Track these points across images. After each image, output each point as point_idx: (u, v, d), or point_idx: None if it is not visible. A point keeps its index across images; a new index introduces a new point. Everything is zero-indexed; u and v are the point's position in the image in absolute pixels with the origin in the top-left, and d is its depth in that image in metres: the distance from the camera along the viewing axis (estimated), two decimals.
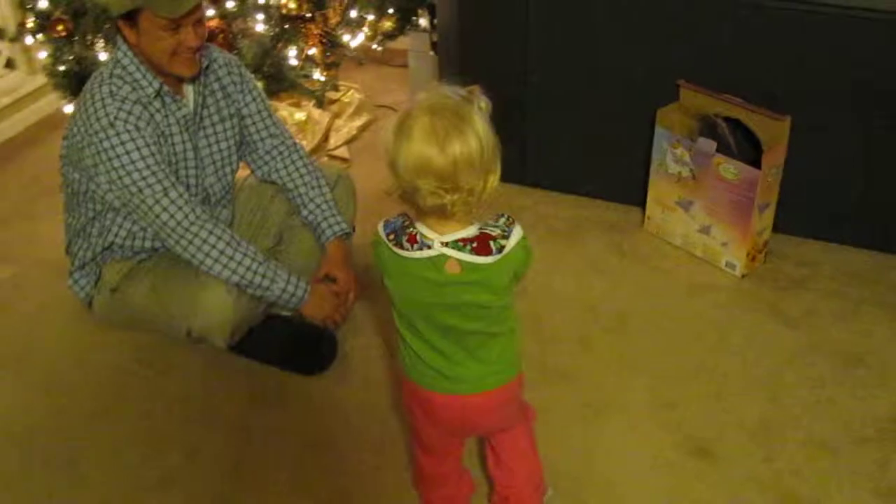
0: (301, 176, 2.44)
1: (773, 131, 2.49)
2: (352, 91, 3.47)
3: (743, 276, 2.63)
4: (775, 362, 2.35)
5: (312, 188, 2.43)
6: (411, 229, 1.51)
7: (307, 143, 3.18)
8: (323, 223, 2.42)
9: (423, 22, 3.22)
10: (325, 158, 3.19)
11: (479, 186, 1.45)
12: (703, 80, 2.61)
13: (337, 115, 3.34)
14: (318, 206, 2.42)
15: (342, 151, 3.23)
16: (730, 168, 2.51)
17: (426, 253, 1.50)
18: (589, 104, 2.83)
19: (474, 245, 1.49)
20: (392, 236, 1.53)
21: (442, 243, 1.49)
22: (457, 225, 1.50)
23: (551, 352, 2.39)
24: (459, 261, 1.49)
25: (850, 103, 2.54)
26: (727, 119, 2.55)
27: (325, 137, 3.27)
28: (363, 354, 2.41)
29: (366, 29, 2.97)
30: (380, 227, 1.56)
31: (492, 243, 1.50)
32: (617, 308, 2.56)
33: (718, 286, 2.63)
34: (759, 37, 2.55)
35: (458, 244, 1.49)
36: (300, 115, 3.26)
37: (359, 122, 3.39)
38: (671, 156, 2.65)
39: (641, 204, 2.87)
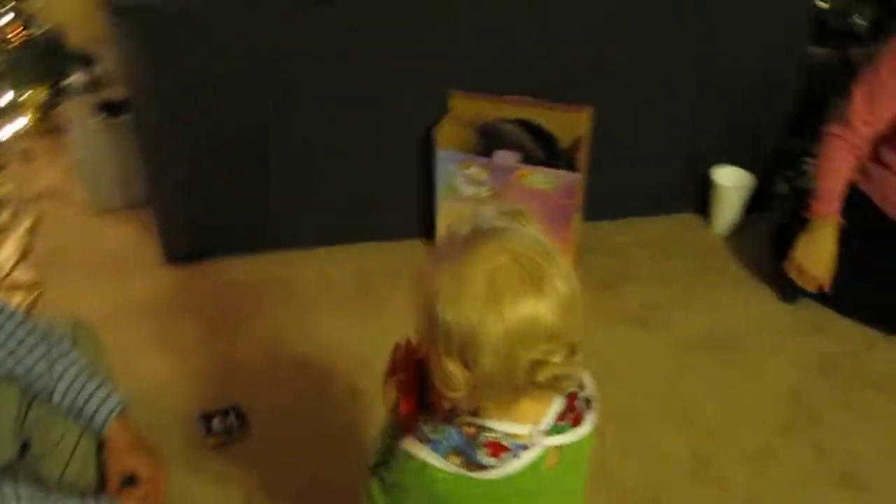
0: (30, 349, 1.67)
1: (574, 125, 2.23)
2: None
3: None
4: (672, 384, 2.11)
5: (54, 360, 1.69)
6: (489, 434, 0.99)
7: None
8: (90, 403, 1.69)
9: (80, 79, 2.45)
10: (3, 294, 2.34)
11: (578, 336, 0.97)
12: (474, 85, 2.26)
13: None
14: (71, 382, 1.69)
15: (24, 273, 2.39)
16: (539, 178, 2.20)
17: (526, 459, 0.99)
18: (345, 134, 2.33)
19: (571, 416, 1.04)
20: (457, 458, 0.99)
21: (543, 433, 1.00)
22: (546, 402, 1.02)
23: None
24: (560, 447, 1.02)
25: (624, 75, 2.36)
26: (519, 123, 2.24)
27: None
28: None
29: (28, 113, 2.15)
30: (425, 455, 1.01)
31: (578, 403, 1.06)
32: None
33: None
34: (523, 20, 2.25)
35: (558, 426, 1.02)
36: None
37: (25, 223, 2.54)
38: (462, 178, 2.27)
39: (428, 235, 2.48)
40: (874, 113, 2.18)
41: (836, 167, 2.24)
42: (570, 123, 2.22)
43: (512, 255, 0.93)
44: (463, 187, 2.29)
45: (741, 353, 2.19)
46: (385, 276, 2.41)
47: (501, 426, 0.99)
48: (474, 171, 2.24)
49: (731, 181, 2.51)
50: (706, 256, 2.49)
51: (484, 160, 2.22)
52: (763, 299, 2.35)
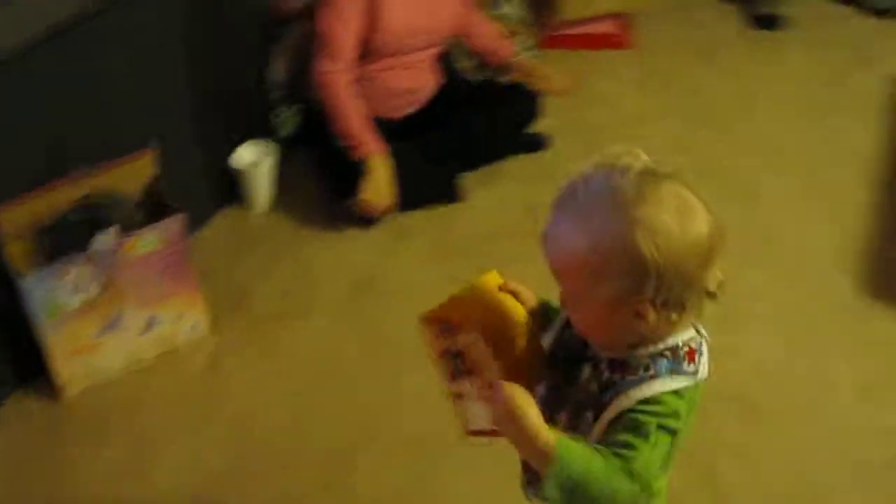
0: None
1: (141, 171, 2.01)
2: None
3: (214, 327, 2.21)
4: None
5: None
6: (683, 349, 1.05)
7: None
8: None
9: None
10: None
11: None
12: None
13: None
14: None
15: None
16: (146, 240, 1.97)
17: (705, 351, 1.08)
18: None
19: None
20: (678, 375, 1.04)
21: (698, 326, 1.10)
22: None
23: None
24: None
25: None
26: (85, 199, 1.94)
27: None
28: None
29: None
30: (686, 378, 1.03)
31: None
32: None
33: (215, 357, 2.16)
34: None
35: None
36: None
37: None
38: (65, 290, 1.90)
39: (31, 380, 2.04)
40: (350, 31, 2.39)
41: (352, 103, 2.42)
42: (137, 172, 2.01)
43: (676, 189, 0.98)
44: (69, 299, 1.92)
45: (404, 288, 2.35)
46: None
47: (683, 336, 1.05)
48: (74, 273, 1.90)
49: (250, 158, 2.54)
50: (283, 235, 2.52)
51: (81, 256, 1.89)
52: (355, 237, 2.51)
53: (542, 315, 1.17)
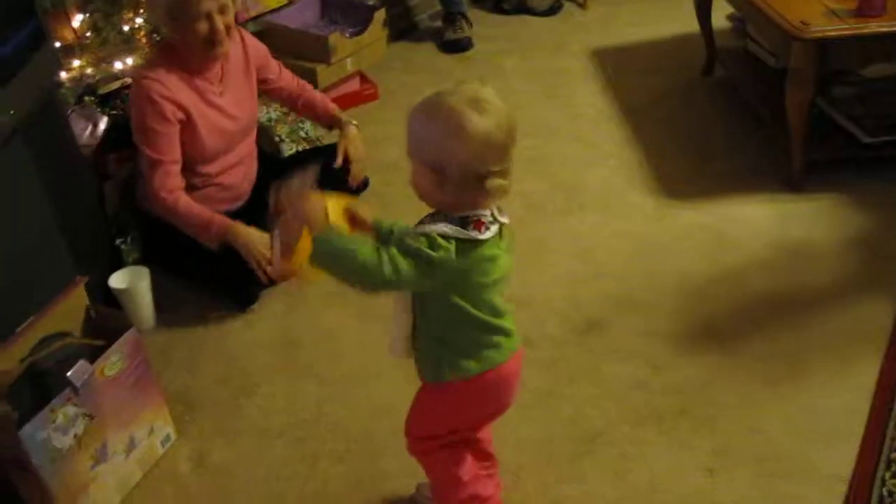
0: None
1: (77, 304, 2.05)
2: None
3: (179, 432, 2.25)
4: None
5: None
6: (482, 218, 1.55)
7: None
8: None
9: None
10: None
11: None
12: None
13: None
14: None
15: None
16: (111, 360, 2.01)
17: (494, 229, 1.57)
18: None
19: (498, 210, 1.65)
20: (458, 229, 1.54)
21: (496, 216, 1.61)
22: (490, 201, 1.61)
23: None
24: (502, 225, 1.61)
25: None
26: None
27: None
28: None
29: None
30: (459, 231, 1.52)
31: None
32: None
33: (199, 456, 2.21)
34: None
35: (496, 213, 1.62)
36: None
37: None
38: (56, 434, 1.88)
39: None
40: (174, 148, 2.54)
41: (195, 207, 2.57)
42: (73, 305, 2.04)
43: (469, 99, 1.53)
44: (62, 440, 1.91)
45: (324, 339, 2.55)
46: None
47: (475, 212, 1.54)
48: (61, 414, 1.90)
49: (126, 282, 2.60)
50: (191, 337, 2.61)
51: (62, 395, 1.90)
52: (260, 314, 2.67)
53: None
